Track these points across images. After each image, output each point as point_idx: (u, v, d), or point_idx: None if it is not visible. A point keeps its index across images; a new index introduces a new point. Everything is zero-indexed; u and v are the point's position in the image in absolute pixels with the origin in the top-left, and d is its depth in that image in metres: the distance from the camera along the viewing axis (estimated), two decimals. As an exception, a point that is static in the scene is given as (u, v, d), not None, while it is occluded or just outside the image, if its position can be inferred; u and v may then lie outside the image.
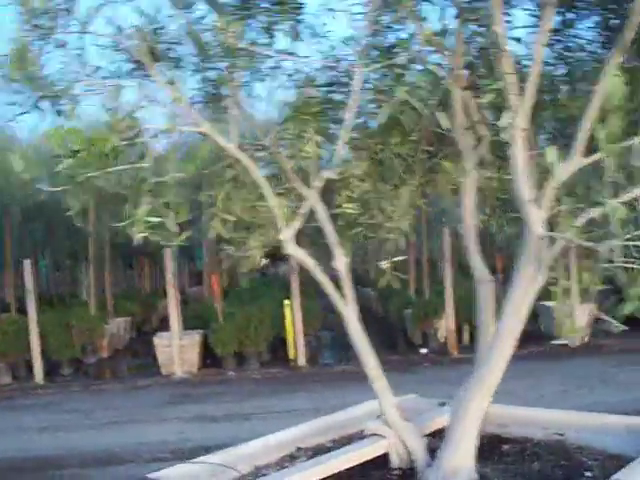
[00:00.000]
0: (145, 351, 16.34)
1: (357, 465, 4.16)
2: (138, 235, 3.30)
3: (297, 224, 3.77)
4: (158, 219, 3.29)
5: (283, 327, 14.50)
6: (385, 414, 4.13)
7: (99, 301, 17.05)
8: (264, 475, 4.09)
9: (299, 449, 4.54)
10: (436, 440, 4.31)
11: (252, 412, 10.67)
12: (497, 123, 3.34)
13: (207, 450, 8.50)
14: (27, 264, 13.98)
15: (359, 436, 4.53)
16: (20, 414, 11.78)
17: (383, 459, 4.25)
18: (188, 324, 14.61)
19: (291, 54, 4.05)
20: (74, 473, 8.42)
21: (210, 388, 12.88)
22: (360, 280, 23.14)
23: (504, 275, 15.76)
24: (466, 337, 14.97)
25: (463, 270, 17.81)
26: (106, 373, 15.16)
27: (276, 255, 4.48)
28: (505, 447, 4.51)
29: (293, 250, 3.77)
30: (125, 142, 3.28)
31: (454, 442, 3.87)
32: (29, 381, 14.20)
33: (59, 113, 3.59)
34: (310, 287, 17.98)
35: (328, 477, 4.00)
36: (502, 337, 3.82)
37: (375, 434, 4.25)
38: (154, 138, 3.41)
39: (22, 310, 17.18)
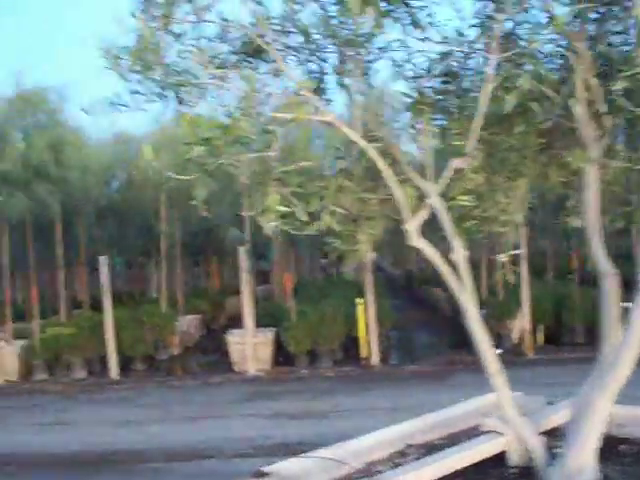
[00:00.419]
0: (215, 348, 16.47)
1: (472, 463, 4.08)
2: (269, 224, 3.25)
3: (424, 214, 3.69)
4: (288, 209, 3.24)
5: (355, 326, 14.43)
6: (503, 410, 4.03)
7: (169, 299, 17.21)
8: (378, 472, 4.03)
9: (409, 446, 4.46)
10: (552, 439, 4.20)
11: (329, 410, 10.64)
12: (636, 110, 3.22)
13: (288, 447, 8.59)
14: (103, 261, 14.14)
15: (471, 433, 4.45)
16: (99, 408, 11.93)
17: (499, 457, 4.16)
18: (259, 322, 14.62)
19: (407, 43, 3.98)
20: (159, 467, 8.47)
21: (284, 386, 12.88)
22: (429, 280, 22.97)
23: (580, 275, 15.48)
24: (541, 338, 14.72)
25: (536, 270, 17.56)
26: (178, 369, 15.24)
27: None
28: (622, 447, 4.38)
29: (417, 241, 3.70)
30: (254, 130, 3.24)
31: (579, 441, 3.76)
32: (104, 376, 14.38)
33: (181, 102, 3.58)
34: (380, 287, 17.92)
35: (444, 475, 3.92)
36: (631, 339, 3.69)
37: (492, 431, 4.16)
38: (281, 127, 3.36)
39: (94, 307, 17.52)
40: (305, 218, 3.32)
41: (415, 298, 26.35)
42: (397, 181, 3.68)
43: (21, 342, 14.96)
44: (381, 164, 3.65)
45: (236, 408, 11.30)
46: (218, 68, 3.89)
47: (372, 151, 3.64)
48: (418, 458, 4.19)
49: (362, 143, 3.61)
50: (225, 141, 3.08)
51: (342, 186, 4.06)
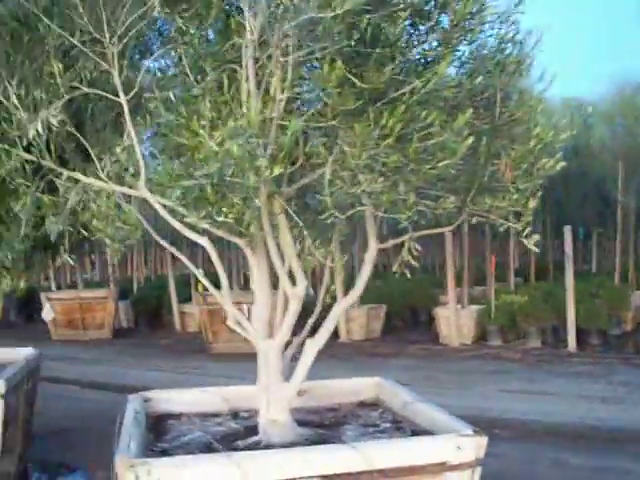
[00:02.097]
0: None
1: None
2: None
3: None
4: None
5: None
6: None
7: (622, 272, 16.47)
8: None
9: None
10: None
11: None
12: None
13: None
14: (567, 230, 13.80)
15: None
16: (564, 381, 11.63)
17: None
18: None
19: None
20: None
21: None
22: None
23: None
24: None
25: None
26: (635, 347, 14.45)
27: None
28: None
29: None
30: None
31: None
32: (559, 348, 14.12)
33: None
34: None
35: None
36: None
37: None
38: None
39: (540, 276, 17.36)
40: None
41: None
42: None
43: (475, 307, 15.27)
44: None
45: None
46: None
47: None
48: None
49: None
50: None
51: None
